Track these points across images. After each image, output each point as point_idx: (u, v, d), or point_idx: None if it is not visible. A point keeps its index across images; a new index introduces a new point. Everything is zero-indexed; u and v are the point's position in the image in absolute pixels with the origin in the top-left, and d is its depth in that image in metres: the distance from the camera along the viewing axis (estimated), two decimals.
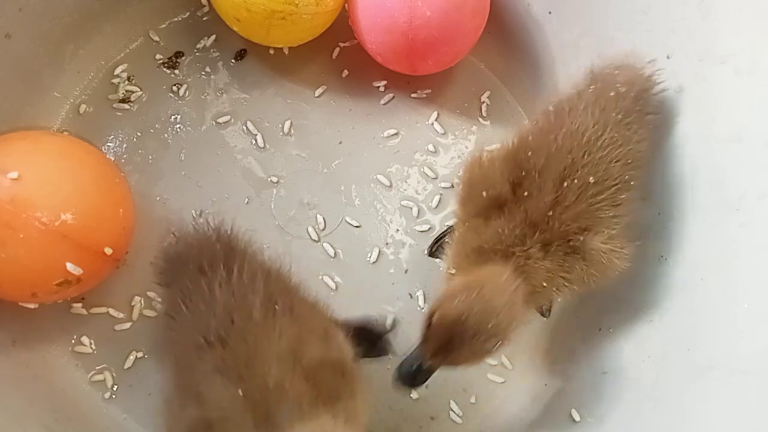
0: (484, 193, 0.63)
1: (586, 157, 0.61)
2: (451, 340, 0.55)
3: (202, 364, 0.52)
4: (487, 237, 0.61)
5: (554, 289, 0.62)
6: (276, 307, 0.55)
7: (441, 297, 0.57)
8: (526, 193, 0.61)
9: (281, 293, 0.57)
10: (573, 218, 0.60)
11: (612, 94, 0.63)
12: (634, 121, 0.63)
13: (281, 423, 0.49)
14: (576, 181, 0.60)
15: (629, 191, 0.63)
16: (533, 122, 0.66)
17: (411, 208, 0.81)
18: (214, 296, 0.55)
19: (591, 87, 0.65)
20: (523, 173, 0.62)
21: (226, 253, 0.58)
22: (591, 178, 0.60)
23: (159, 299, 0.65)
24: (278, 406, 0.50)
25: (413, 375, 0.57)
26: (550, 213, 0.60)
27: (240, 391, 0.50)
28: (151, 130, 0.82)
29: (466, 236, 0.63)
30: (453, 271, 0.64)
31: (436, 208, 0.81)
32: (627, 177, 0.62)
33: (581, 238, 0.60)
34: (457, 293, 0.56)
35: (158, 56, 0.84)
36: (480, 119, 0.85)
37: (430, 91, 0.86)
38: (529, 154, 0.62)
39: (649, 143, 0.65)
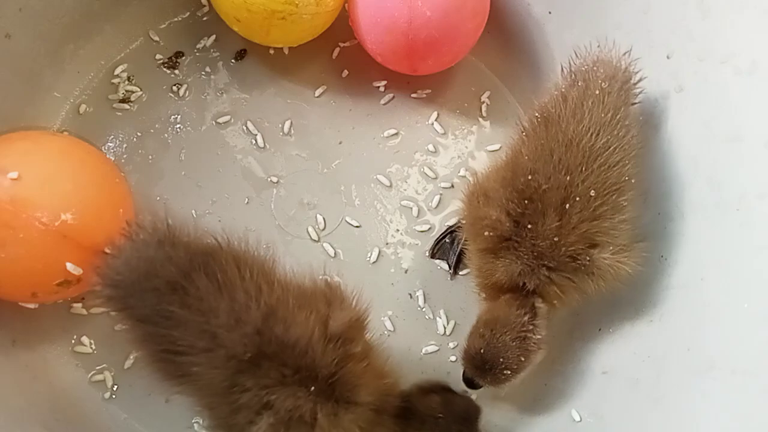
0: (487, 233, 0.63)
1: (584, 171, 0.61)
2: (478, 369, 0.63)
3: (247, 383, 0.53)
4: (500, 275, 0.63)
5: (567, 300, 0.64)
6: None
7: (470, 332, 0.65)
8: (529, 226, 0.61)
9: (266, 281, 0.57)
10: (578, 239, 0.61)
11: (597, 92, 0.63)
12: (623, 117, 0.64)
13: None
14: (578, 199, 0.61)
15: (631, 191, 0.63)
16: (522, 134, 0.66)
17: (411, 208, 0.81)
18: (217, 310, 0.54)
19: (574, 87, 0.65)
20: (525, 202, 0.61)
21: (189, 258, 0.55)
22: (591, 192, 0.61)
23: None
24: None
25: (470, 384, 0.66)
26: (556, 239, 0.61)
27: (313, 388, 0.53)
28: (151, 130, 0.82)
29: (483, 269, 0.65)
30: (483, 296, 0.69)
31: (436, 208, 0.81)
32: (626, 178, 0.62)
33: (588, 258, 0.61)
34: (477, 331, 0.64)
35: (158, 56, 0.84)
36: (480, 119, 0.85)
37: (430, 91, 0.85)
38: (529, 178, 0.62)
39: (640, 133, 0.66)
